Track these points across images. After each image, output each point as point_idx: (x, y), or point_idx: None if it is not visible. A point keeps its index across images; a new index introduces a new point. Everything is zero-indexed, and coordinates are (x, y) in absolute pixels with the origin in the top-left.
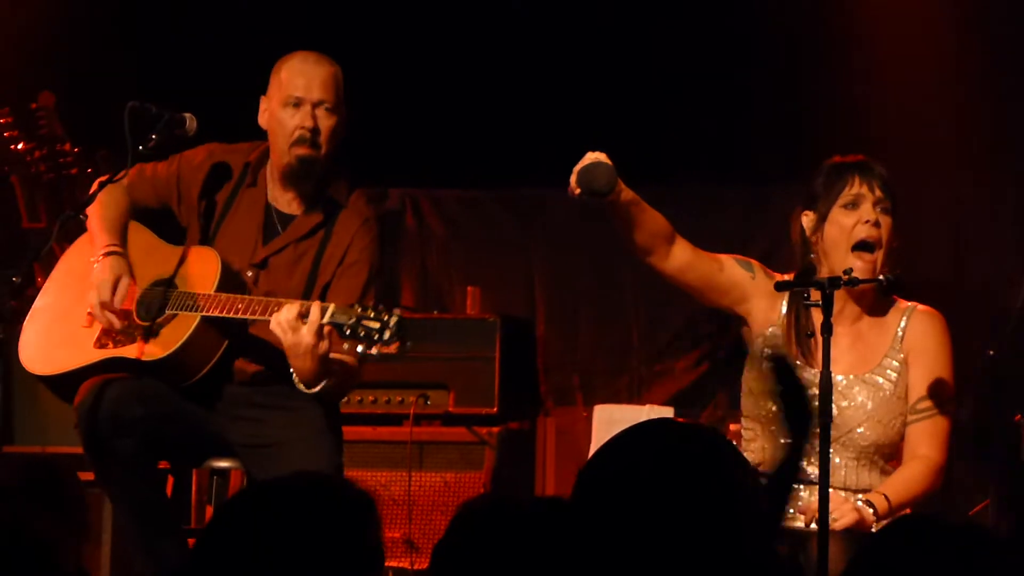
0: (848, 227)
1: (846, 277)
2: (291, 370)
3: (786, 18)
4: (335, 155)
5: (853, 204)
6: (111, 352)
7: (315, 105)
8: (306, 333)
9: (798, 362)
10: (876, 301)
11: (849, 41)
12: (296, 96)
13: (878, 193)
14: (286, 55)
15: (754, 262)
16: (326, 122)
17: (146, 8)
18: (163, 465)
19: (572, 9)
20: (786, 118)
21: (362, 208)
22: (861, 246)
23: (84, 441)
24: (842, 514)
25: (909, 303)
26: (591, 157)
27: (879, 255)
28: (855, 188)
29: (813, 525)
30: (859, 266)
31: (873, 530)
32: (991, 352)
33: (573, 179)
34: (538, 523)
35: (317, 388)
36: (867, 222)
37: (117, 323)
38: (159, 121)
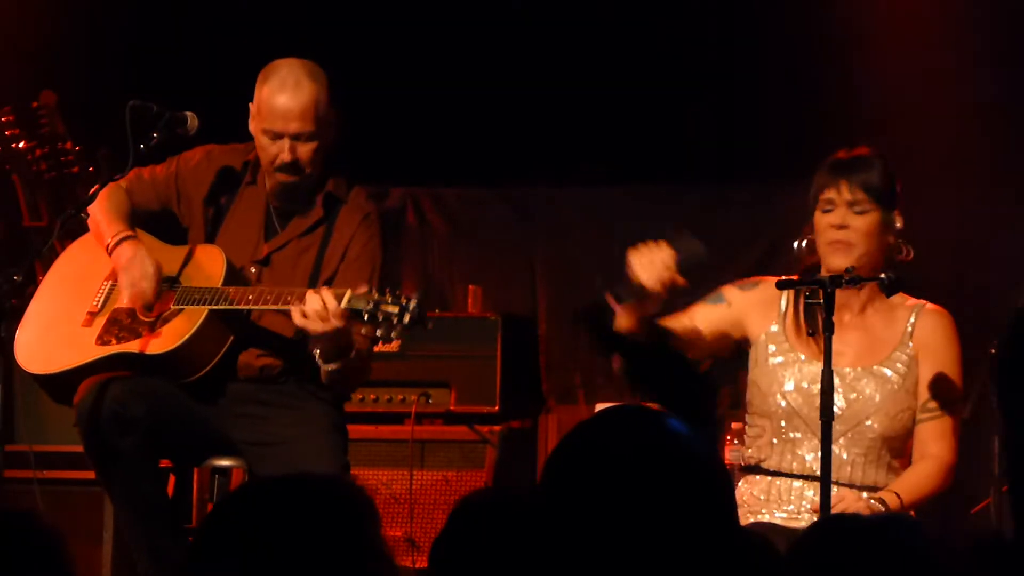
0: (824, 229)
1: (848, 276)
2: (313, 350)
3: (791, 17)
4: (326, 162)
5: (829, 207)
6: (114, 348)
7: (293, 137)
8: (333, 320)
9: (802, 356)
10: (879, 296)
11: (854, 41)
12: (273, 130)
13: (847, 195)
14: (269, 67)
15: (722, 289)
16: (305, 148)
17: (146, 8)
18: (164, 464)
19: (575, 7)
20: (790, 117)
21: (363, 203)
22: (834, 247)
23: (84, 440)
24: (856, 511)
25: (918, 301)
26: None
27: (855, 255)
28: (829, 192)
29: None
30: (836, 265)
31: None
32: (992, 351)
33: (669, 255)
34: (536, 516)
35: (338, 364)
36: (834, 226)
37: (152, 296)
38: (160, 120)
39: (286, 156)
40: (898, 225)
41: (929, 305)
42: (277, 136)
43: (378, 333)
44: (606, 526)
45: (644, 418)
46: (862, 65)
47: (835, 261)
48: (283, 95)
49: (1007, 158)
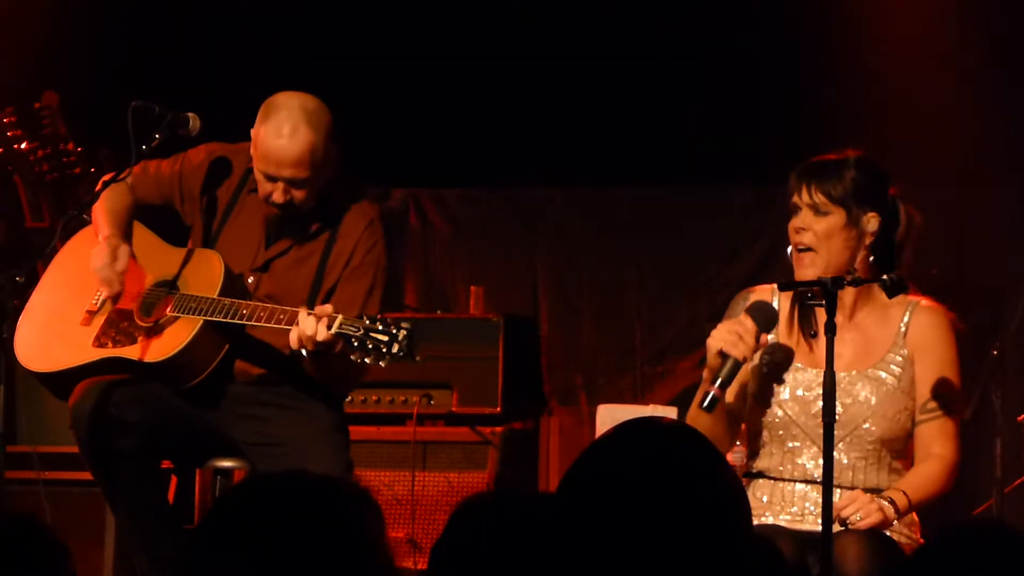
0: (790, 233)
1: (849, 277)
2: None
3: (791, 16)
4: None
5: (794, 210)
6: (110, 351)
7: (287, 182)
8: (322, 344)
9: (798, 364)
10: (871, 296)
11: (855, 42)
12: (268, 173)
13: (806, 199)
14: (270, 104)
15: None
16: (298, 192)
17: (146, 8)
18: (166, 465)
19: (575, 8)
20: (790, 117)
21: (367, 209)
22: (799, 260)
23: (80, 444)
24: (867, 513)
25: (912, 297)
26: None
27: (817, 256)
28: (795, 196)
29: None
30: (800, 268)
31: (894, 525)
32: (994, 352)
33: (750, 321)
34: (537, 518)
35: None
36: (796, 228)
37: (118, 285)
38: (162, 121)
39: (279, 198)
40: (871, 228)
41: (923, 301)
42: (271, 178)
43: (366, 360)
44: (623, 539)
45: (660, 431)
46: (862, 65)
47: (800, 274)
48: (280, 140)
49: (1007, 158)
